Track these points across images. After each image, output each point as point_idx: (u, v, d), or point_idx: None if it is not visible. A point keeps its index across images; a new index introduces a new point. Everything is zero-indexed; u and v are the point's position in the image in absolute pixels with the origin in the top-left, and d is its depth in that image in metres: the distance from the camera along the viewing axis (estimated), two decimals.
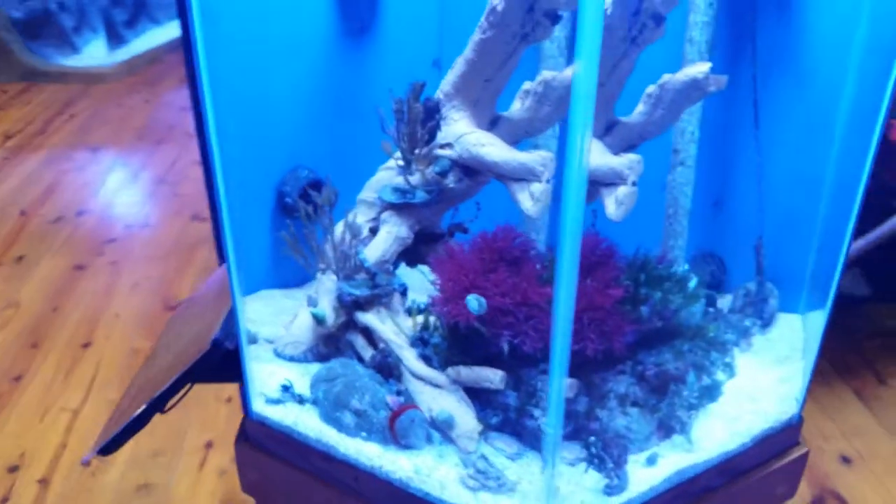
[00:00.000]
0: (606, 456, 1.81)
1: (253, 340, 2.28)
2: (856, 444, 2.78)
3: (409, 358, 1.99)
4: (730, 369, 2.22)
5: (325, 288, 2.17)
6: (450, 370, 1.93)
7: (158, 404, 1.95)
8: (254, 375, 2.08)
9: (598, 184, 1.89)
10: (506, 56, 1.81)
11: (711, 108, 2.47)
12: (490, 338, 1.82)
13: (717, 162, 2.53)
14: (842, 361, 3.19)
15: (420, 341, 2.02)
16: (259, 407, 2.02)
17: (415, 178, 2.04)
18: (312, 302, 2.22)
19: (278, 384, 2.09)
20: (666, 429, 1.99)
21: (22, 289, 3.65)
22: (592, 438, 1.85)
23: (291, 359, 2.23)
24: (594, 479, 1.82)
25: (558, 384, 1.51)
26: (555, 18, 1.62)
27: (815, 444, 2.71)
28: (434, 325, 2.07)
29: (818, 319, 2.09)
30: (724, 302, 2.59)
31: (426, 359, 1.99)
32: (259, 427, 2.03)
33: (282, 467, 1.98)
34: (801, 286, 2.49)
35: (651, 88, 1.98)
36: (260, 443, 2.05)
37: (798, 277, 2.47)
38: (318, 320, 2.14)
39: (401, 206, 2.08)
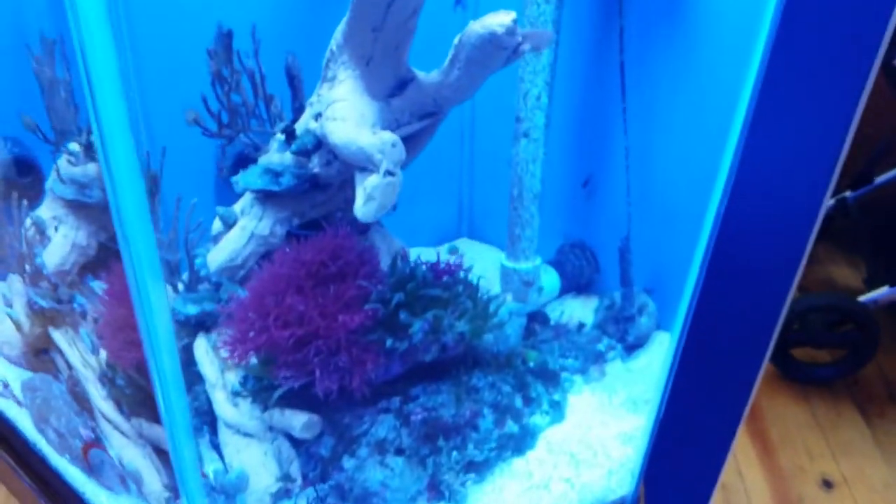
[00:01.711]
0: None
1: None
2: (843, 465, 2.40)
3: (219, 399, 1.60)
4: (557, 411, 1.79)
5: (16, 290, 1.77)
6: (267, 414, 1.55)
7: None
8: None
9: (353, 168, 1.44)
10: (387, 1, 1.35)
11: (578, 66, 1.96)
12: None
13: (584, 134, 2.04)
14: None
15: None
16: None
17: (282, 158, 1.59)
18: (7, 302, 1.85)
19: None
20: (439, 489, 1.59)
21: None
22: (317, 487, 1.46)
23: (8, 359, 1.86)
24: None
25: (179, 441, 1.09)
26: None
27: (796, 463, 2.35)
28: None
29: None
30: (589, 310, 2.14)
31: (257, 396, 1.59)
32: None
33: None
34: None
35: (457, 39, 1.49)
36: None
37: (683, 286, 2.01)
38: (16, 325, 1.77)
39: (265, 194, 1.64)
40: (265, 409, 1.53)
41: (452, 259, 1.61)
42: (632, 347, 2.02)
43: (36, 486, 1.71)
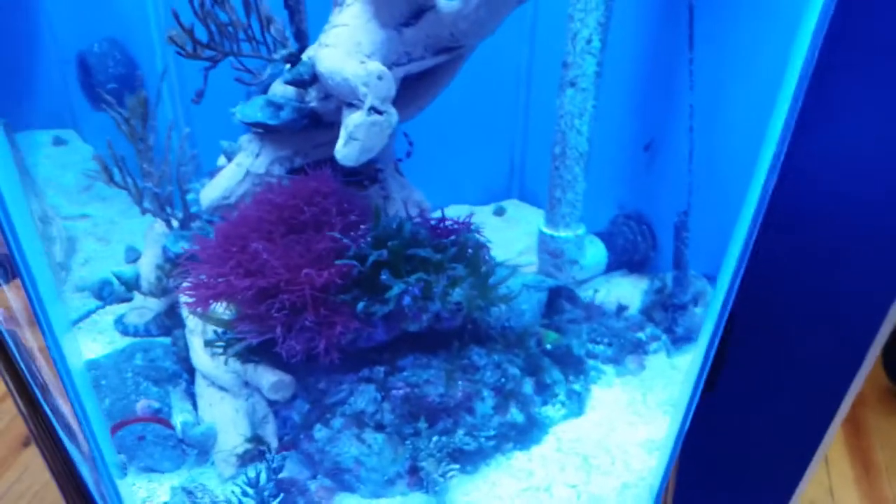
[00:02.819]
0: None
1: None
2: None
3: (197, 347, 1.52)
4: (576, 403, 1.59)
5: (154, 236, 1.68)
6: (242, 368, 1.47)
7: None
8: None
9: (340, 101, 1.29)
10: None
11: (639, 5, 1.70)
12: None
13: (647, 88, 1.77)
14: None
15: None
16: None
17: (284, 90, 1.50)
18: (130, 255, 1.79)
19: None
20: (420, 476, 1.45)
21: None
22: (268, 456, 1.36)
23: (135, 331, 1.77)
24: None
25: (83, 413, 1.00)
26: None
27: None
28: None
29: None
30: (639, 292, 1.90)
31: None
32: None
33: None
34: None
35: None
36: None
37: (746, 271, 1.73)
38: (125, 284, 1.71)
39: (264, 128, 1.53)
40: (234, 362, 1.43)
41: (462, 218, 1.43)
42: (680, 340, 1.77)
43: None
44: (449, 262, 1.36)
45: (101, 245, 2.15)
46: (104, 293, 1.90)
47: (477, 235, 1.46)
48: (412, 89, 1.47)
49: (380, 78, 1.20)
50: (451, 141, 2.16)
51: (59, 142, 2.78)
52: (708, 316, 1.17)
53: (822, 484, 1.93)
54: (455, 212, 2.34)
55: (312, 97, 1.43)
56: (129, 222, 2.22)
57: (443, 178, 2.29)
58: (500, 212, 2.30)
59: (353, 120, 1.22)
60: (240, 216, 1.30)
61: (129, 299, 1.87)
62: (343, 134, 1.24)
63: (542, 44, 2.08)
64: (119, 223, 2.25)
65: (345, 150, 1.22)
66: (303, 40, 1.51)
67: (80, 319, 1.85)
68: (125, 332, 1.76)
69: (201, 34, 1.31)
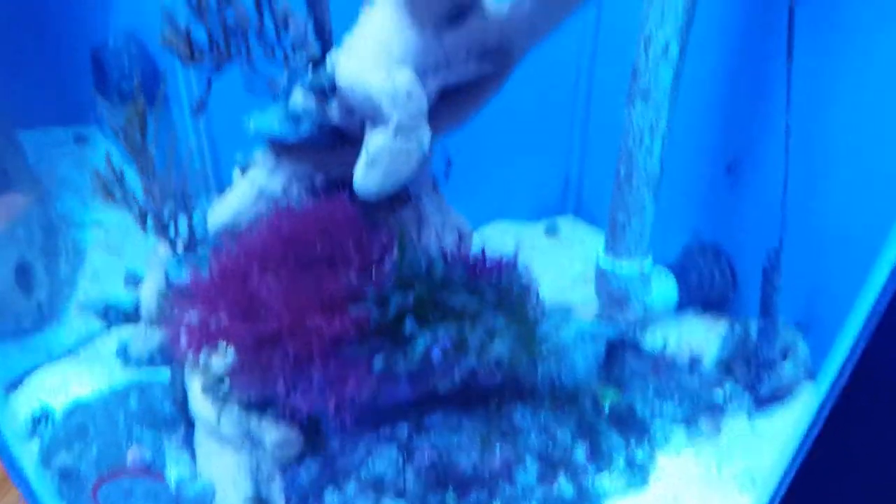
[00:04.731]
0: None
1: None
2: None
3: (196, 391, 1.37)
4: (637, 474, 1.41)
5: (157, 260, 1.53)
6: (245, 418, 1.31)
7: None
8: None
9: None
10: None
11: (726, 9, 1.50)
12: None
13: (731, 102, 1.57)
14: None
15: None
16: None
17: (305, 100, 1.34)
18: (130, 278, 1.67)
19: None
20: None
21: None
22: None
23: (138, 362, 1.59)
24: None
25: None
26: None
27: None
28: None
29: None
30: (714, 336, 1.69)
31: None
32: None
33: None
34: None
35: None
36: None
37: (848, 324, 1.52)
38: (123, 315, 1.59)
39: (282, 143, 1.38)
40: (236, 410, 1.29)
41: (499, 255, 1.26)
42: (766, 401, 1.57)
43: None
44: (489, 309, 1.19)
45: (111, 257, 2.06)
46: (109, 314, 1.80)
47: (522, 273, 1.29)
48: (452, 99, 1.30)
49: (409, 95, 1.04)
50: (499, 147, 2.00)
51: (80, 139, 2.72)
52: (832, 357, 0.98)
53: None
54: (501, 229, 2.19)
55: (334, 109, 1.27)
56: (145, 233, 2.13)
57: (489, 189, 2.13)
58: (552, 230, 2.11)
59: (375, 142, 1.07)
60: (241, 246, 1.16)
61: (137, 320, 1.76)
62: (363, 157, 1.09)
63: (606, 41, 1.89)
64: (133, 234, 2.14)
65: (365, 178, 1.07)
66: (325, 38, 1.36)
67: (80, 344, 1.76)
68: (127, 362, 1.64)
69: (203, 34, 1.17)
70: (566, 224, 2.16)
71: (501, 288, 1.24)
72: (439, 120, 1.34)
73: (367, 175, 1.08)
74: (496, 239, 2.15)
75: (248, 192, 1.41)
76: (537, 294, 1.32)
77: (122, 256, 2.06)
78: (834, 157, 1.48)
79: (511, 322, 1.22)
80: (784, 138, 1.41)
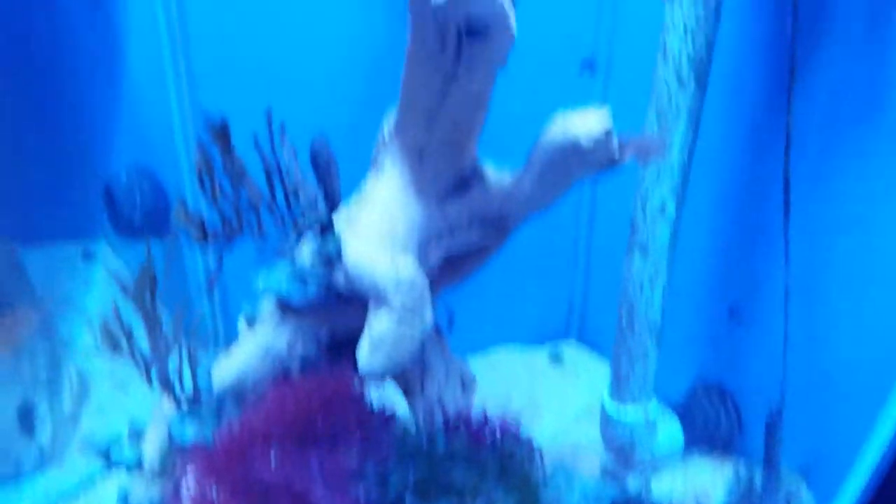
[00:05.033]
0: None
1: None
2: None
3: None
4: None
5: (160, 413, 1.53)
6: None
7: None
8: None
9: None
10: (443, 75, 1.14)
11: (723, 168, 1.57)
12: None
13: (736, 250, 1.60)
14: None
15: None
16: None
17: (313, 260, 1.39)
18: (133, 433, 1.70)
19: None
20: None
21: None
22: None
23: None
24: None
25: None
26: (474, 34, 1.11)
27: None
28: None
29: None
30: (721, 478, 1.68)
31: None
32: None
33: None
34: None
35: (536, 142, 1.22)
36: None
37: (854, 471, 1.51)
38: (125, 467, 1.61)
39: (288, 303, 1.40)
40: None
41: (501, 415, 1.27)
42: None
43: None
44: (490, 480, 1.19)
45: (117, 392, 2.06)
46: (112, 455, 1.80)
47: (525, 438, 1.29)
48: (453, 263, 1.34)
49: (412, 284, 1.08)
50: (501, 271, 2.03)
51: (88, 255, 2.76)
52: None
53: None
54: (506, 354, 2.20)
55: (340, 276, 1.31)
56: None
57: (491, 313, 2.15)
58: (556, 358, 2.13)
59: (379, 324, 1.10)
60: (244, 423, 1.17)
61: (140, 464, 1.76)
62: (367, 340, 1.11)
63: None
64: None
65: (370, 361, 1.10)
66: (334, 202, 1.41)
67: (81, 488, 1.75)
68: None
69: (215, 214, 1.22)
70: (570, 351, 2.17)
71: (504, 454, 1.25)
72: (441, 282, 1.37)
73: (372, 358, 1.10)
74: (501, 364, 2.17)
75: (253, 351, 1.43)
76: (541, 456, 1.32)
77: (127, 392, 2.06)
78: (836, 303, 1.51)
79: (513, 491, 1.22)
80: (783, 296, 1.44)
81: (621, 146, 1.10)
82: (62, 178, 2.53)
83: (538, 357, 2.17)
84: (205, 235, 1.20)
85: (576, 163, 1.12)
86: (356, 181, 1.35)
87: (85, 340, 2.26)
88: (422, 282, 1.11)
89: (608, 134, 1.08)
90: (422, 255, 1.28)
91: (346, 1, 1.80)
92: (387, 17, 1.79)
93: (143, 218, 2.14)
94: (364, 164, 1.38)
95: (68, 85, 2.33)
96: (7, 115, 2.42)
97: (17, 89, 2.40)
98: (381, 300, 1.11)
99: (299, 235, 1.37)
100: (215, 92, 1.87)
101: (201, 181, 1.16)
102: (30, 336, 2.09)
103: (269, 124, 1.23)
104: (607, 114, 1.08)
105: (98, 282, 2.59)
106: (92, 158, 2.36)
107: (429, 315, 1.13)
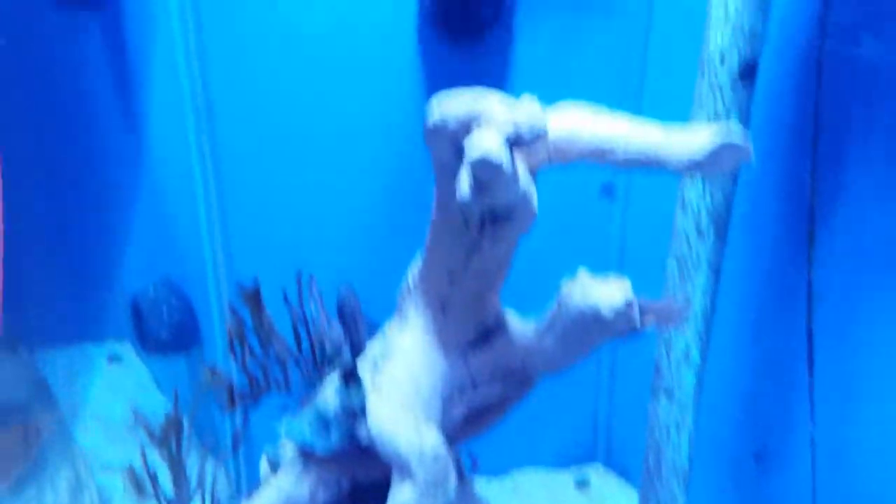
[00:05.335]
0: None
1: None
2: None
3: None
4: None
5: None
6: None
7: None
8: None
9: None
10: (467, 246, 1.18)
11: (746, 318, 1.58)
12: None
13: (762, 396, 1.59)
14: None
15: None
16: None
17: (336, 408, 1.41)
18: None
19: None
20: None
21: None
22: None
23: None
24: None
25: None
26: (495, 219, 1.14)
27: None
28: None
29: None
30: None
31: None
32: None
33: None
34: None
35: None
36: None
37: None
38: None
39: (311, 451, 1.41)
40: None
41: None
42: None
43: None
44: None
45: None
46: None
47: None
48: (475, 417, 1.34)
49: (436, 458, 1.08)
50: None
51: (113, 358, 2.78)
52: None
53: None
54: (531, 477, 2.16)
55: (364, 430, 1.31)
56: None
57: (513, 433, 2.12)
58: (582, 484, 2.09)
59: (402, 496, 1.10)
60: None
61: None
62: None
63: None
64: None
65: None
66: (359, 352, 1.42)
67: None
68: None
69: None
70: (596, 477, 2.13)
71: None
72: (463, 435, 1.37)
73: None
74: (524, 489, 2.13)
75: (275, 499, 1.43)
76: None
77: None
78: (863, 449, 1.48)
79: None
80: (809, 446, 1.42)
81: (643, 313, 1.11)
82: (90, 285, 2.59)
83: (563, 481, 2.13)
84: (233, 402, 1.22)
85: (596, 330, 1.13)
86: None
87: (106, 455, 2.26)
88: (445, 456, 1.12)
89: (629, 305, 1.09)
90: (445, 410, 1.28)
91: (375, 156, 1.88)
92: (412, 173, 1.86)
93: (170, 333, 2.17)
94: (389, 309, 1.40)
95: (100, 199, 2.41)
96: (37, 224, 2.50)
97: (50, 200, 2.48)
98: (405, 472, 1.12)
99: (323, 383, 1.39)
100: (243, 220, 1.92)
101: (232, 348, 1.19)
102: (49, 447, 2.10)
103: (299, 283, 1.26)
104: (628, 285, 1.09)
105: (124, 388, 2.60)
106: (119, 271, 2.42)
107: (452, 487, 1.13)
